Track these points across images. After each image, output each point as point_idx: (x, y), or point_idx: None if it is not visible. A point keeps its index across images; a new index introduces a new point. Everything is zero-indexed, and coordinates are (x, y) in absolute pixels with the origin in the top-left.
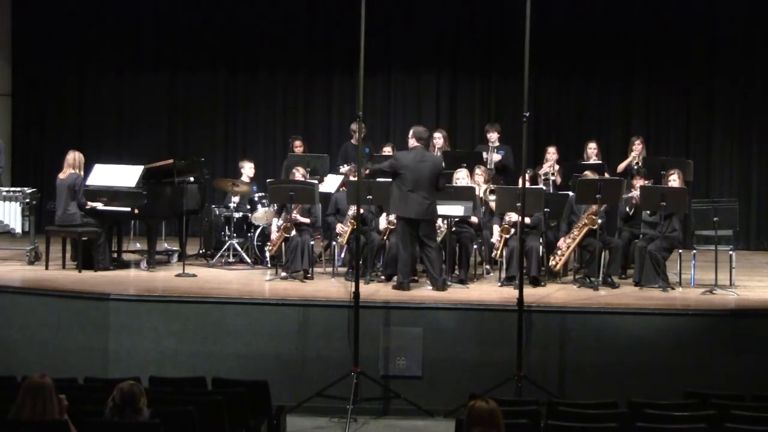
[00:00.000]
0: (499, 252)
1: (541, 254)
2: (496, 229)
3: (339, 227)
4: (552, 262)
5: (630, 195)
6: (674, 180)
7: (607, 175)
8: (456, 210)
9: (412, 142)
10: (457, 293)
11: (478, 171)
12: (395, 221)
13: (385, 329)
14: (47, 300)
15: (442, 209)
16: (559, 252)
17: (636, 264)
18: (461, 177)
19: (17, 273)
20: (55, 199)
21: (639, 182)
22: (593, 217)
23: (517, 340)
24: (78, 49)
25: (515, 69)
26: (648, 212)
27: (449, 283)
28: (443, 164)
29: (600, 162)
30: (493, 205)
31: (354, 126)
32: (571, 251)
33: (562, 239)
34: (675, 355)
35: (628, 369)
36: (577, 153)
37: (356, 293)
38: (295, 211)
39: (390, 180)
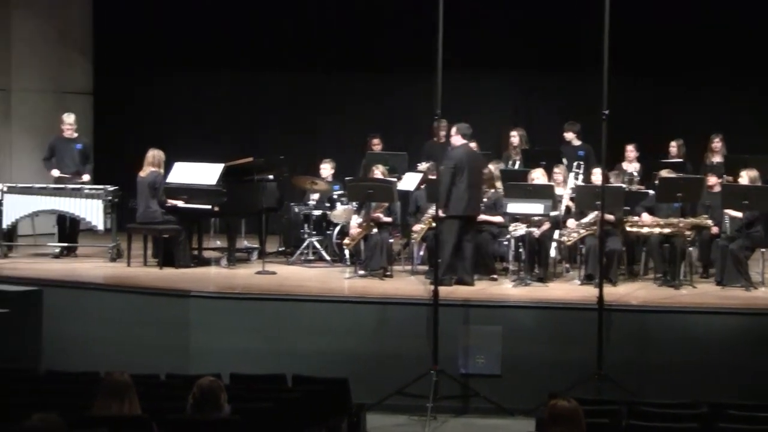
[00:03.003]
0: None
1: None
2: (571, 223)
3: (415, 226)
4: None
5: None
6: (746, 178)
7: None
8: (535, 208)
9: (458, 139)
10: (537, 291)
11: (557, 169)
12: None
13: (464, 327)
14: (129, 297)
15: (521, 207)
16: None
17: (717, 263)
18: (537, 177)
19: (99, 270)
20: (136, 196)
21: (712, 180)
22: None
23: (597, 339)
24: (158, 48)
25: (594, 66)
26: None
27: (528, 282)
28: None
29: (681, 160)
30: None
31: (436, 124)
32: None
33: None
34: (758, 355)
35: (710, 369)
36: (657, 151)
37: (435, 291)
38: (378, 211)
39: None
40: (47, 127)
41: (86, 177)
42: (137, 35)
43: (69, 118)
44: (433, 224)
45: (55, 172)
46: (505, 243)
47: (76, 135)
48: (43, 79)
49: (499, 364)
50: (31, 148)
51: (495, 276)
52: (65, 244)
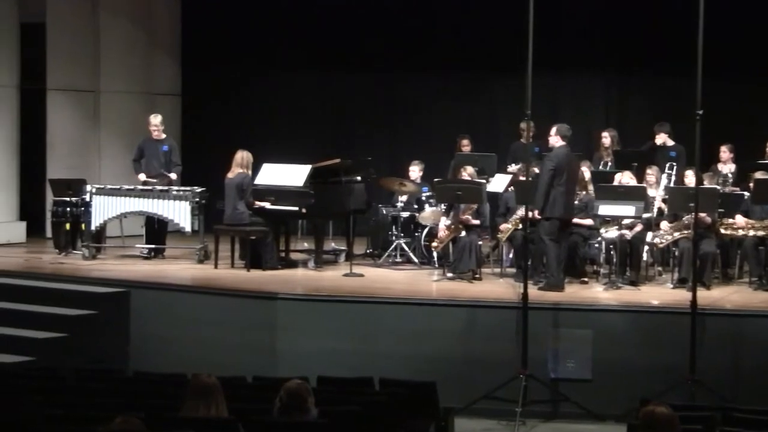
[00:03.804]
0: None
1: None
2: (664, 225)
3: (502, 225)
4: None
5: None
6: None
7: None
8: (626, 210)
9: (557, 140)
10: (628, 295)
11: (650, 171)
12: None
13: (554, 331)
14: (216, 299)
15: (612, 209)
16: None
17: None
18: (624, 180)
19: (187, 271)
20: (223, 198)
21: None
22: None
23: (690, 343)
24: (246, 49)
25: (687, 66)
26: None
27: (619, 285)
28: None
29: None
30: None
31: (523, 125)
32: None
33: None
34: None
35: None
36: (752, 152)
37: (524, 294)
38: (466, 213)
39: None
40: (135, 129)
41: (173, 176)
42: (225, 36)
43: (155, 119)
44: (520, 225)
45: (142, 176)
46: (596, 246)
47: (163, 136)
48: (131, 81)
49: (589, 369)
50: (119, 149)
51: (586, 279)
52: (153, 246)
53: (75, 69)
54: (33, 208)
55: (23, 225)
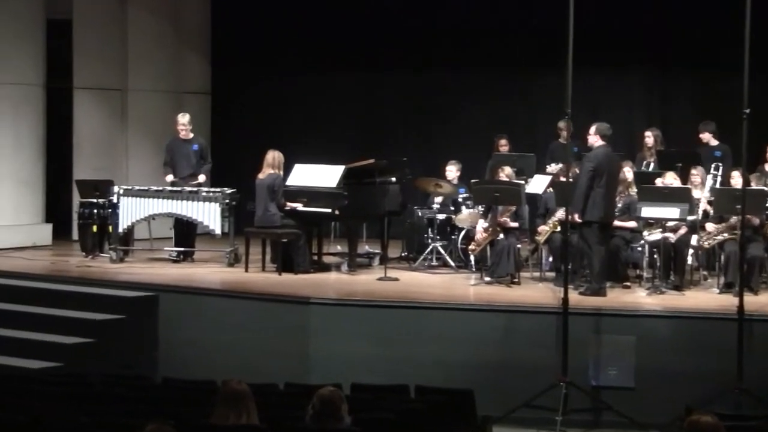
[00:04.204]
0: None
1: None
2: (710, 227)
3: (540, 227)
4: None
5: None
6: None
7: None
8: (670, 212)
9: (596, 140)
10: (672, 300)
11: (695, 171)
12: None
13: (595, 337)
14: (247, 303)
15: (655, 211)
16: None
17: None
18: (668, 181)
19: (217, 275)
20: (254, 199)
21: None
22: None
23: (737, 350)
24: (277, 46)
25: (732, 63)
26: None
27: (663, 290)
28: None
29: None
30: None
31: (561, 124)
32: None
33: None
34: None
35: None
36: None
37: (565, 299)
38: (504, 215)
39: None
40: (163, 128)
41: (201, 178)
42: (256, 33)
43: (183, 119)
44: (559, 227)
45: (169, 178)
46: (639, 249)
47: (192, 136)
48: (159, 79)
49: (632, 376)
50: (147, 149)
51: (628, 284)
52: (182, 249)
53: (102, 67)
54: (59, 209)
55: (49, 227)
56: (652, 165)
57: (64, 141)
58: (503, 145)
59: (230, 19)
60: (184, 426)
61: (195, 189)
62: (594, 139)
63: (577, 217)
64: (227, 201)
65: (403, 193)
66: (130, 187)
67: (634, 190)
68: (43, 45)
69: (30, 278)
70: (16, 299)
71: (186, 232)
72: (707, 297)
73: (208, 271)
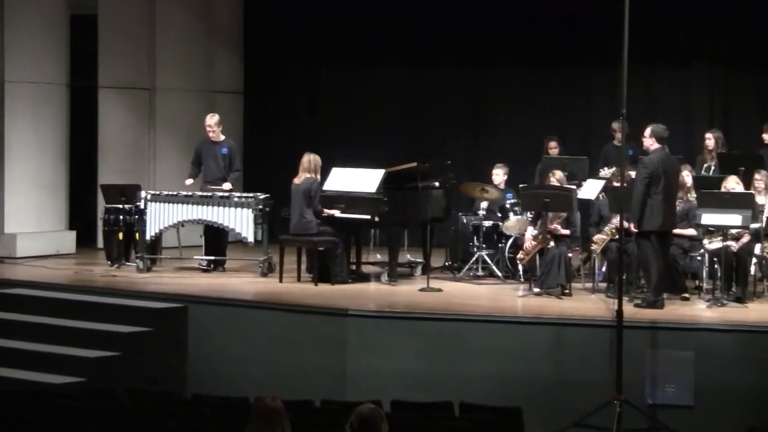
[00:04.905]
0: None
1: None
2: None
3: (596, 236)
4: None
5: None
6: None
7: None
8: (732, 219)
9: (652, 143)
10: (734, 313)
11: (758, 176)
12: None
13: (651, 352)
14: (281, 315)
15: (716, 218)
16: None
17: None
18: (731, 186)
19: (249, 285)
20: (289, 205)
21: None
22: None
23: None
24: (313, 44)
25: None
26: None
27: (724, 302)
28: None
29: None
30: None
31: (616, 125)
32: None
33: None
34: None
35: None
36: None
37: (619, 312)
38: (555, 222)
39: None
40: (193, 129)
41: (227, 186)
42: (291, 29)
43: (211, 119)
44: (617, 236)
45: (188, 182)
46: (698, 258)
47: (222, 137)
48: (188, 78)
49: (691, 394)
50: (176, 152)
51: (686, 295)
52: (212, 257)
53: (129, 65)
54: (83, 216)
55: (73, 234)
56: (712, 169)
57: (89, 143)
58: (553, 148)
59: (264, 13)
60: None
61: (226, 194)
62: (649, 142)
63: (633, 227)
64: (260, 207)
65: (447, 199)
66: (157, 192)
67: (693, 196)
68: (66, 41)
69: (52, 288)
70: (37, 311)
71: (217, 239)
72: None
73: (240, 282)
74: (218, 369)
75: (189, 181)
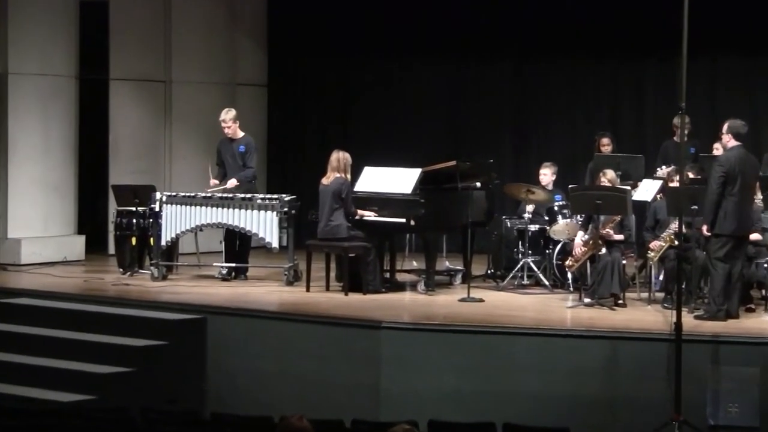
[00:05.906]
0: None
1: None
2: None
3: (653, 243)
4: None
5: None
6: None
7: None
8: None
9: (729, 139)
10: None
11: None
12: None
13: (713, 368)
14: (308, 327)
15: None
16: None
17: None
18: None
19: (274, 295)
20: (317, 207)
21: None
22: None
23: None
24: (343, 33)
25: None
26: None
27: None
28: None
29: None
30: None
31: (676, 120)
32: None
33: None
34: None
35: None
36: None
37: (678, 324)
38: (607, 226)
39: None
40: (212, 126)
41: (231, 183)
42: (318, 18)
43: (227, 114)
44: (675, 242)
45: (212, 182)
46: (765, 266)
47: (240, 134)
48: (208, 70)
49: (757, 414)
50: (194, 150)
51: (752, 306)
52: (234, 265)
53: (143, 55)
54: (93, 219)
55: (82, 239)
56: None
57: (100, 140)
58: (606, 145)
59: (289, 4)
60: None
61: (249, 196)
62: (726, 139)
63: (705, 230)
64: (286, 210)
65: (490, 201)
66: (174, 194)
67: (759, 198)
68: (75, 30)
69: (60, 298)
70: (44, 322)
71: (238, 245)
72: None
73: (264, 291)
74: (240, 386)
75: (213, 182)
